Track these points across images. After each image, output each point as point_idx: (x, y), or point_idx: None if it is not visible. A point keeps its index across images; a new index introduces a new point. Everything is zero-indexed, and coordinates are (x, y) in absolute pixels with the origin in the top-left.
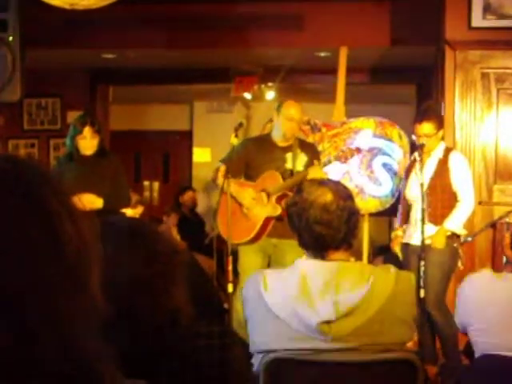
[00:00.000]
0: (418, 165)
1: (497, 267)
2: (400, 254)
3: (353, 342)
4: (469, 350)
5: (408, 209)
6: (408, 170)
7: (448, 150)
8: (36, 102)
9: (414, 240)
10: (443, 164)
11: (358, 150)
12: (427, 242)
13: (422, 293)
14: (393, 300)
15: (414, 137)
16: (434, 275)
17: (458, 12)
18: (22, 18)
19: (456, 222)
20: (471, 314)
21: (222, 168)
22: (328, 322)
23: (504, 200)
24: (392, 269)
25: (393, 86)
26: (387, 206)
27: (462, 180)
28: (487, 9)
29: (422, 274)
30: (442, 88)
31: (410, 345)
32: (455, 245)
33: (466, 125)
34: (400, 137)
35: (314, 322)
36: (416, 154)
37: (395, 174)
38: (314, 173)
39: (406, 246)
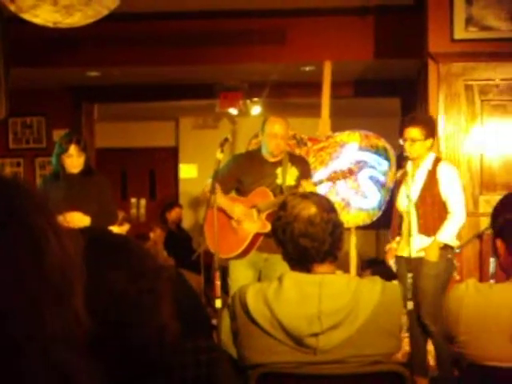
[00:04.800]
0: (408, 177)
1: (484, 278)
2: (393, 267)
3: (340, 354)
4: (456, 360)
5: (400, 221)
6: (399, 182)
7: (437, 161)
8: (21, 120)
9: (407, 252)
10: (432, 175)
11: (351, 172)
12: (421, 254)
13: (410, 305)
14: (379, 311)
15: (400, 141)
16: (429, 288)
17: (440, 25)
18: (6, 37)
19: (448, 233)
20: (455, 325)
21: (209, 183)
22: (315, 335)
23: (490, 211)
24: (378, 280)
25: (377, 99)
26: (374, 218)
27: (452, 191)
28: (469, 21)
29: (409, 285)
30: (426, 100)
31: (399, 356)
32: (449, 256)
33: (451, 136)
34: (386, 149)
35: (301, 335)
36: (407, 165)
37: (382, 186)
38: (308, 187)
39: (399, 259)
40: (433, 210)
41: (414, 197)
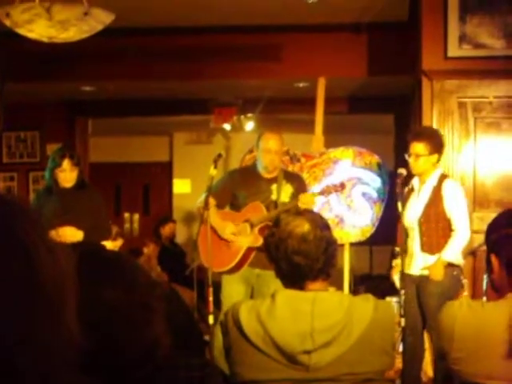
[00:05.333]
0: (414, 193)
1: (477, 294)
2: (397, 283)
3: (332, 371)
4: (449, 377)
5: (406, 237)
6: (405, 199)
7: (443, 177)
8: (15, 135)
9: (413, 270)
10: (437, 192)
11: (343, 186)
12: (425, 272)
13: (403, 322)
14: (372, 329)
15: (406, 156)
16: (433, 305)
17: (434, 42)
18: (1, 52)
19: (452, 252)
20: (449, 342)
21: (202, 199)
22: (307, 352)
23: (483, 228)
24: (371, 297)
25: (371, 115)
26: (368, 235)
27: (456, 208)
28: (463, 38)
29: (402, 302)
30: (419, 117)
31: (391, 373)
32: (455, 273)
33: (444, 154)
34: (379, 166)
35: (294, 352)
36: (413, 182)
37: (374, 203)
38: (305, 198)
39: (404, 275)
40: (437, 228)
41: (418, 213)
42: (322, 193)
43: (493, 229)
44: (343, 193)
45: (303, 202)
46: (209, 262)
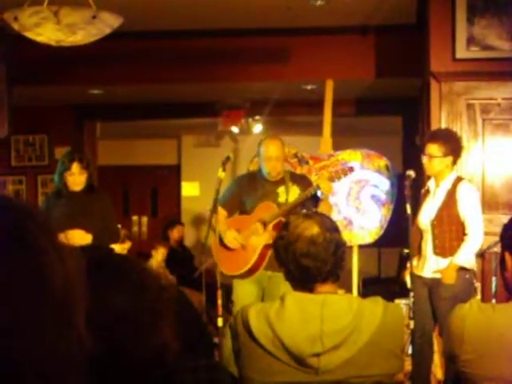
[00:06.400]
0: (429, 194)
1: (486, 297)
2: (409, 284)
3: (342, 374)
4: (457, 380)
5: (420, 239)
6: (421, 200)
7: (458, 180)
8: (24, 138)
9: (425, 272)
10: (451, 195)
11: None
12: (437, 275)
13: (412, 324)
14: (381, 331)
15: (422, 157)
16: (445, 309)
17: (442, 44)
18: (9, 56)
19: (465, 256)
20: (459, 344)
21: (210, 207)
22: (317, 355)
23: (492, 230)
24: (380, 300)
25: (379, 117)
26: (376, 237)
27: (470, 211)
28: (471, 40)
29: (411, 305)
30: (427, 119)
31: (400, 376)
32: (467, 276)
33: None
34: (387, 168)
35: (303, 355)
36: (429, 184)
37: (383, 205)
38: (324, 185)
39: (417, 277)
40: (450, 231)
41: (432, 216)
42: (331, 179)
43: (508, 228)
44: (351, 194)
45: (324, 188)
46: (221, 265)
